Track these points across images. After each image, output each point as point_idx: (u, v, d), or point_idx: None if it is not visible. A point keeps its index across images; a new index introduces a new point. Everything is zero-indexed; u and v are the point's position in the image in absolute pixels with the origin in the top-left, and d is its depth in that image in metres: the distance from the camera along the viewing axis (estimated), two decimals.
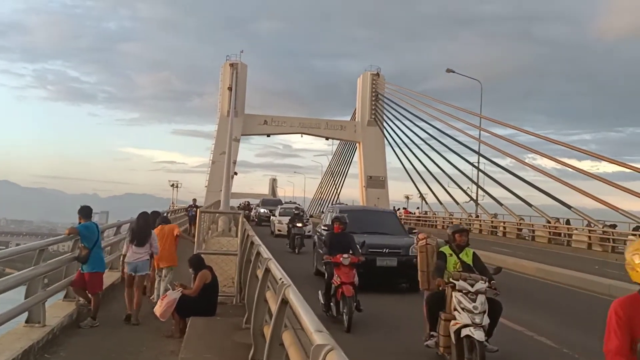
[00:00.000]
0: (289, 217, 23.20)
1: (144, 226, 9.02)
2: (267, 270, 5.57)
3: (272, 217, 29.25)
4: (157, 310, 7.88)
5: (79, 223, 8.30)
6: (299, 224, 20.78)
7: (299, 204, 36.90)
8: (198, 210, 9.95)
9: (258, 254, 7.18)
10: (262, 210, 39.98)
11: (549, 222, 31.54)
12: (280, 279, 4.43)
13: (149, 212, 9.93)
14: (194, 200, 29.27)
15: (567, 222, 31.06)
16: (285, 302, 3.88)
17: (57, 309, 8.19)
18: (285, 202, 38.46)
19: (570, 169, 33.65)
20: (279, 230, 25.50)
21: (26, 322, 6.92)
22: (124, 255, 9.18)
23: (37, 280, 6.91)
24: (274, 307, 4.96)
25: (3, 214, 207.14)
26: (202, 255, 8.85)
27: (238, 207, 42.53)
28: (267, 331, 5.52)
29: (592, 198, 29.18)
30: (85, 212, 8.43)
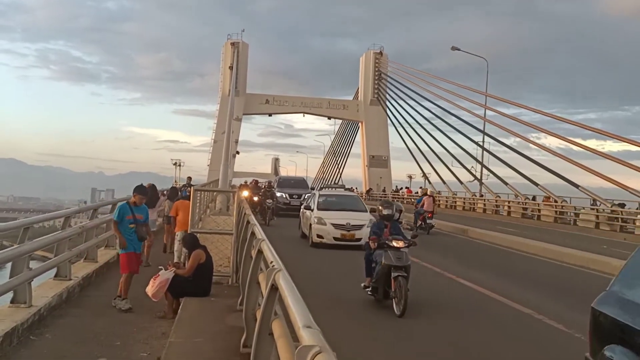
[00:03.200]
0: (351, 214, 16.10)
1: (153, 195, 11.58)
2: (260, 252, 5.27)
3: (305, 211, 17.51)
4: (150, 290, 7.61)
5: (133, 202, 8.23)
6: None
7: (348, 187, 31.27)
8: (192, 188, 9.58)
9: (253, 234, 6.88)
10: (278, 194, 26.74)
11: (555, 201, 31.25)
12: (272, 262, 4.12)
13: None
14: (189, 178, 26.46)
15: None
16: (275, 289, 3.56)
17: (47, 288, 7.94)
18: (323, 186, 29.35)
19: (576, 147, 33.30)
20: (319, 238, 15.68)
21: (11, 302, 6.66)
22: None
23: (22, 260, 6.63)
24: (265, 293, 4.67)
25: (11, 191, 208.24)
26: (198, 235, 8.57)
27: (264, 188, 25.95)
28: (259, 314, 5.27)
29: (600, 176, 28.76)
30: (143, 191, 8.42)
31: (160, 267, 8.33)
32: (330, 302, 8.75)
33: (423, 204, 21.43)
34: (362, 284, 8.87)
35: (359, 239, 14.90)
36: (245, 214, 8.95)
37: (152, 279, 7.71)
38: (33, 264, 7.51)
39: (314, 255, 14.60)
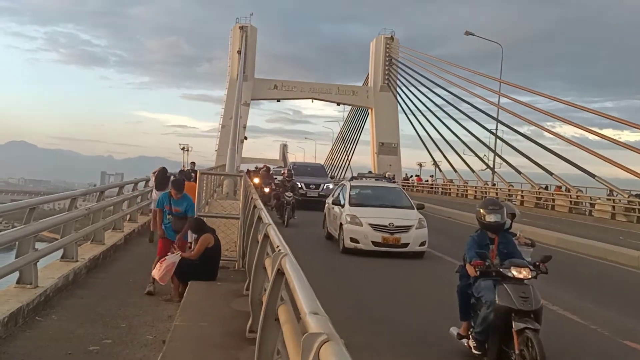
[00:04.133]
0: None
1: (164, 177, 12.01)
2: (266, 237, 5.18)
3: (333, 207, 14.19)
4: (156, 273, 7.57)
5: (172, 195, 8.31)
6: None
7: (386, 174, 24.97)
8: (199, 172, 9.46)
9: (259, 218, 6.80)
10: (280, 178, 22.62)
11: (568, 190, 30.96)
12: (278, 247, 4.02)
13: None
14: (192, 163, 23.86)
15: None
16: (281, 274, 3.47)
17: (53, 269, 7.92)
18: (358, 172, 22.27)
19: (592, 137, 32.84)
20: (353, 242, 12.36)
21: (17, 282, 6.63)
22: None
23: (28, 240, 6.58)
24: (270, 278, 4.59)
25: (21, 174, 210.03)
26: (204, 219, 8.51)
27: (283, 175, 21.43)
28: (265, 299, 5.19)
29: (617, 166, 28.31)
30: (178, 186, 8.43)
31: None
32: (386, 347, 6.28)
33: None
34: (455, 332, 6.02)
35: (406, 245, 12.12)
36: (252, 198, 8.88)
37: (158, 262, 7.66)
38: (42, 246, 7.50)
39: (346, 266, 11.50)
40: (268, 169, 25.93)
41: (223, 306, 6.47)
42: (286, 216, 16.89)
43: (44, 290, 6.80)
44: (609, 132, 32.22)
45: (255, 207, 8.04)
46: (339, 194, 14.41)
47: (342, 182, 16.39)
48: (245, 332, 5.32)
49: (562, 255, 14.40)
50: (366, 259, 11.94)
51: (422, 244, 12.27)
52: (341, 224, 12.65)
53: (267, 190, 20.53)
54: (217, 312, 6.23)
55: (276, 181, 21.15)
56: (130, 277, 8.90)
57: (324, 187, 22.28)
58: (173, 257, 7.61)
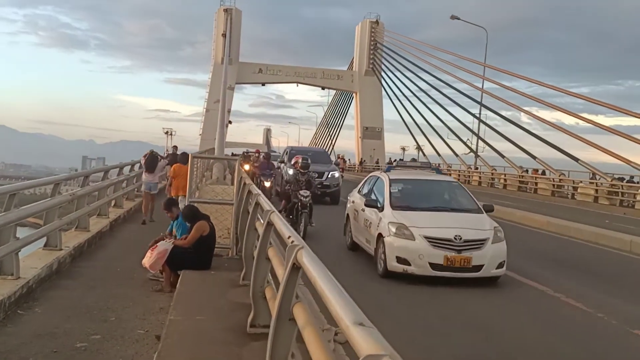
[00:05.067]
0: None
1: (153, 160, 13.19)
2: (270, 224, 4.80)
3: (360, 208, 10.37)
4: (147, 261, 7.17)
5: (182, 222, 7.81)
6: None
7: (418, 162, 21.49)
8: (190, 156, 8.91)
9: (257, 204, 6.41)
10: (290, 172, 16.55)
11: (543, 173, 31.18)
12: (290, 237, 3.65)
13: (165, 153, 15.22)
14: (175, 147, 20.49)
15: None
16: (296, 268, 3.11)
17: (35, 259, 7.46)
18: (397, 160, 21.62)
19: (568, 122, 32.90)
20: (402, 264, 8.48)
21: None
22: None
23: (9, 228, 6.12)
24: (280, 272, 4.22)
25: (1, 158, 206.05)
26: (196, 205, 8.10)
27: (297, 167, 14.08)
28: (270, 294, 4.83)
29: (598, 148, 28.43)
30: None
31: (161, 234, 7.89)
32: None
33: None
34: None
35: (478, 268, 8.30)
36: (245, 183, 8.48)
37: (149, 250, 7.26)
38: (24, 232, 7.05)
39: (393, 302, 7.70)
40: (268, 155, 20.33)
41: (219, 297, 6.10)
42: (302, 224, 11.43)
43: (26, 281, 6.35)
44: (584, 116, 32.28)
45: (250, 192, 7.67)
46: (370, 190, 10.36)
47: (374, 174, 11.42)
48: (247, 327, 4.97)
49: (553, 239, 14.31)
50: (424, 288, 8.13)
51: (501, 265, 8.47)
52: (381, 236, 8.72)
53: (267, 184, 17.19)
54: (213, 304, 5.87)
55: (272, 171, 18.79)
56: (117, 265, 8.48)
57: (329, 176, 19.27)
58: (165, 245, 7.22)
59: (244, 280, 6.57)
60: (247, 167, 17.73)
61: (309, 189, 12.10)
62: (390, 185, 9.64)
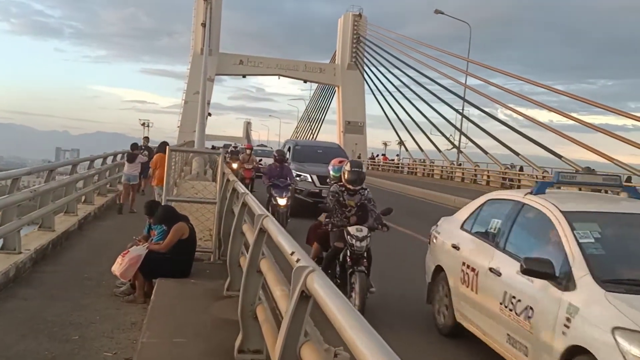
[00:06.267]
0: None
1: (134, 150, 13.40)
2: (263, 232, 4.02)
3: (492, 272, 4.85)
4: (117, 268, 6.32)
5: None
6: None
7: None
8: (168, 149, 7.88)
9: (245, 205, 5.62)
10: (296, 174, 13.74)
11: (522, 169, 31.13)
12: (294, 254, 2.87)
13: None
14: (146, 139, 18.20)
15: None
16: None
17: None
18: None
19: (545, 120, 32.71)
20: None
21: None
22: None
23: None
24: (277, 291, 3.44)
25: None
26: (174, 204, 7.27)
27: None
28: (263, 315, 4.05)
29: (582, 146, 28.28)
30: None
31: (134, 237, 7.04)
32: None
33: None
34: None
35: None
36: (229, 180, 7.66)
37: (120, 255, 6.41)
38: None
39: None
40: (282, 157, 13.29)
41: (200, 312, 5.31)
42: (356, 291, 6.31)
43: None
44: (555, 115, 32.36)
45: (235, 190, 6.86)
46: (507, 233, 5.12)
47: (504, 195, 6.11)
48: (234, 351, 4.20)
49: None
50: None
51: None
52: (582, 351, 3.64)
53: (282, 202, 11.49)
54: (194, 320, 5.06)
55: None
56: (85, 270, 7.58)
57: None
58: (138, 250, 6.38)
59: (229, 290, 5.80)
60: (235, 165, 15.11)
61: (363, 223, 6.52)
62: (574, 232, 4.32)
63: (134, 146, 14.15)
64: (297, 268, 2.56)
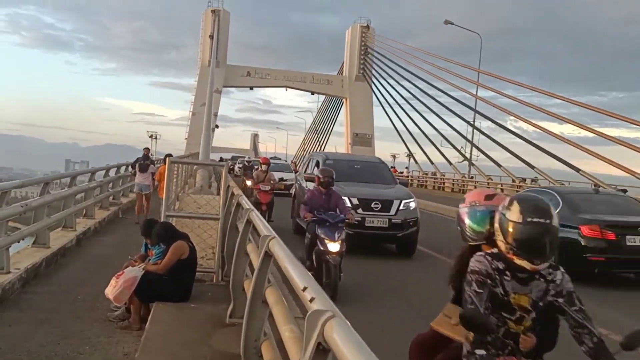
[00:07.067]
0: None
1: (145, 160, 13.66)
2: (269, 256, 3.49)
3: None
4: (110, 291, 5.79)
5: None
6: None
7: None
8: (168, 160, 7.37)
9: (249, 222, 5.10)
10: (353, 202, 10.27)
11: (533, 181, 30.42)
12: (306, 290, 2.34)
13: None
14: (146, 150, 16.44)
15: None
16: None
17: None
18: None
19: (563, 130, 32.06)
20: None
21: None
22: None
23: None
24: (285, 331, 2.90)
25: None
26: (174, 220, 6.77)
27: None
28: (269, 353, 3.51)
29: (602, 159, 27.55)
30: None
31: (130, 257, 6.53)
32: None
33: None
34: None
35: None
36: (233, 193, 7.15)
37: (114, 277, 5.88)
38: None
39: None
40: (328, 180, 8.52)
41: (199, 343, 4.76)
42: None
43: None
44: (568, 127, 31.75)
45: (239, 205, 6.35)
46: None
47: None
48: None
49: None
50: None
51: None
52: None
53: (334, 248, 7.42)
54: (192, 353, 4.51)
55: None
56: (79, 291, 7.06)
57: (400, 207, 10.70)
58: (134, 271, 5.85)
59: (232, 317, 5.25)
60: (249, 183, 13.48)
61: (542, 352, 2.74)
62: None
63: (146, 156, 14.57)
64: (313, 312, 2.01)
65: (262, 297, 3.62)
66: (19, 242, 7.34)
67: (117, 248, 9.87)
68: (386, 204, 10.60)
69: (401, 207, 10.69)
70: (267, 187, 12.38)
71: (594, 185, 27.99)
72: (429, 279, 9.06)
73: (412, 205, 10.92)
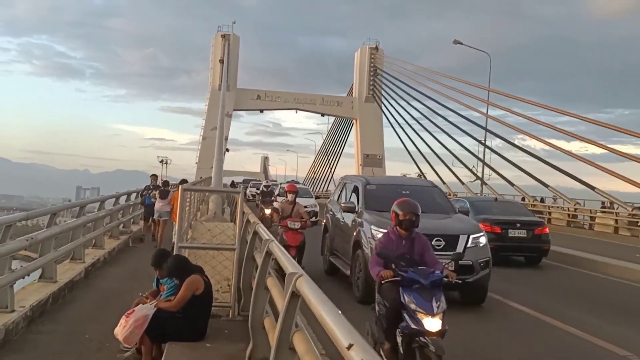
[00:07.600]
0: None
1: (165, 187, 14.11)
2: (297, 296, 3.06)
3: None
4: (120, 331, 5.36)
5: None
6: None
7: None
8: (180, 188, 6.99)
9: (269, 254, 4.68)
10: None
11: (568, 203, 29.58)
12: (354, 352, 1.90)
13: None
14: (154, 177, 16.64)
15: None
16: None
17: None
18: None
19: (572, 147, 31.47)
20: None
21: None
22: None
23: None
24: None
25: None
26: (186, 252, 6.35)
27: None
28: None
29: (616, 176, 26.89)
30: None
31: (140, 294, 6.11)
32: None
33: None
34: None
35: None
36: (249, 221, 6.74)
37: (124, 316, 5.45)
38: None
39: None
40: (409, 224, 5.50)
41: None
42: None
43: None
44: (575, 144, 31.15)
45: (257, 234, 5.94)
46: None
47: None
48: None
49: (588, 277, 12.66)
50: None
51: None
52: None
53: (436, 327, 4.71)
54: None
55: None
56: (87, 329, 6.64)
57: (467, 244, 8.69)
58: (145, 309, 5.43)
59: (251, 358, 4.80)
60: (267, 211, 11.85)
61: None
62: None
63: (166, 183, 15.13)
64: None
65: (289, 344, 3.18)
66: (23, 277, 6.95)
67: (127, 280, 9.47)
68: (451, 241, 8.43)
69: (469, 244, 8.58)
70: (297, 225, 9.35)
71: (603, 204, 27.55)
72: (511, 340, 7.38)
73: (482, 241, 8.82)
